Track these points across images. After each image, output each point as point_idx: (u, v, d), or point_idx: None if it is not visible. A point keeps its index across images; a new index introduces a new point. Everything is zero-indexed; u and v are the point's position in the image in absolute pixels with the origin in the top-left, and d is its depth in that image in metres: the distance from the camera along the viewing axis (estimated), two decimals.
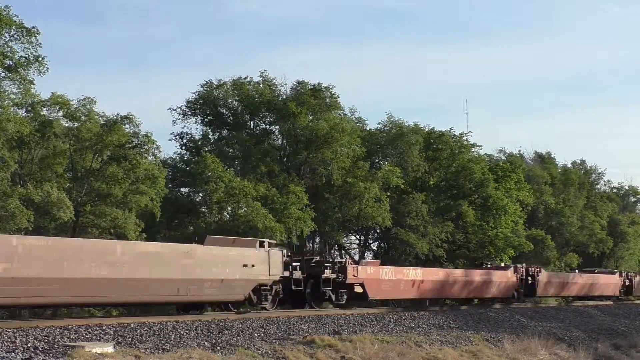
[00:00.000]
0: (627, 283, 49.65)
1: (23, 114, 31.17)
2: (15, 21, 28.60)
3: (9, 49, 28.85)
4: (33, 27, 28.94)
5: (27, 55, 29.08)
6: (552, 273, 44.04)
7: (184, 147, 41.49)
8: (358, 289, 26.95)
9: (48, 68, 29.51)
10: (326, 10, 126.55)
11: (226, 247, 22.27)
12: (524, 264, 40.03)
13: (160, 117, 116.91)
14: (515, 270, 37.28)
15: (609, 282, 47.32)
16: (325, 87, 41.65)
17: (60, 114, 32.42)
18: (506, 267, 38.12)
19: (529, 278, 38.07)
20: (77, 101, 32.74)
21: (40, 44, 29.18)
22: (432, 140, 47.95)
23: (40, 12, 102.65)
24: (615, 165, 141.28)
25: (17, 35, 28.88)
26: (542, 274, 39.42)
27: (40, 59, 29.23)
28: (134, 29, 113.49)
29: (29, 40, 28.87)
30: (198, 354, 15.94)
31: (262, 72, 42.41)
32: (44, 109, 31.91)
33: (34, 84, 29.81)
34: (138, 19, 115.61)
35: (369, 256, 46.93)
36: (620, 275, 49.75)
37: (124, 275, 18.75)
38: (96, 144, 32.38)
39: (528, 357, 23.30)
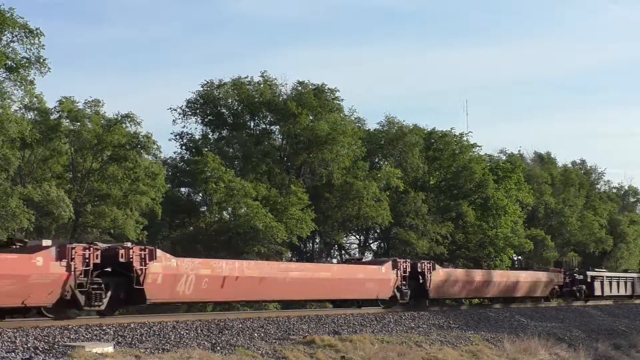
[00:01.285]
0: (420, 280, 28.98)
1: (29, 117, 31.24)
2: (19, 22, 28.59)
3: (10, 49, 28.86)
4: (37, 29, 28.95)
5: (28, 56, 29.10)
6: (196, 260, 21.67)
7: (184, 147, 41.55)
8: None
9: (50, 68, 29.53)
10: (326, 10, 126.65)
11: None
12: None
13: (160, 117, 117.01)
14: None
15: (361, 278, 26.61)
16: (329, 89, 41.71)
17: (65, 115, 32.49)
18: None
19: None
20: (84, 102, 32.81)
21: (43, 45, 29.19)
22: (432, 141, 47.95)
23: (41, 12, 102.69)
24: (615, 165, 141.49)
25: (20, 36, 28.89)
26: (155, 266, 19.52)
27: (41, 59, 29.21)
28: (134, 29, 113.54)
29: (32, 41, 28.86)
30: (198, 354, 15.94)
31: (263, 72, 42.50)
32: (53, 115, 31.96)
33: (34, 84, 29.85)
34: (138, 19, 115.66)
35: (369, 256, 47.00)
36: (396, 266, 27.85)
37: None
38: (97, 144, 32.43)
39: (528, 357, 23.29)
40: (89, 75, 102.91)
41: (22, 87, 29.45)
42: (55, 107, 32.00)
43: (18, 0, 60.87)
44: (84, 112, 32.64)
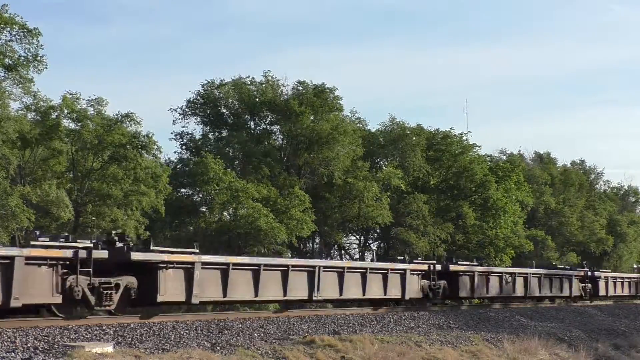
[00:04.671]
0: None
1: (30, 116, 31.26)
2: (17, 21, 28.66)
3: (8, 48, 28.92)
4: (35, 28, 29.04)
5: (26, 54, 29.20)
6: None
7: (184, 147, 41.55)
8: None
9: (46, 65, 29.63)
10: (326, 11, 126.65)
11: None
12: None
13: (160, 117, 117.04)
14: None
15: None
16: (329, 89, 41.72)
17: (66, 114, 32.47)
18: None
19: None
20: (87, 101, 32.81)
21: (41, 45, 29.28)
22: (433, 141, 47.94)
23: (41, 12, 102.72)
24: (615, 165, 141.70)
25: (18, 35, 28.97)
26: None
27: (38, 57, 29.29)
28: (134, 28, 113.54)
29: (30, 40, 28.95)
30: (198, 354, 15.93)
31: (266, 72, 42.53)
32: (54, 113, 31.95)
33: (33, 82, 29.88)
34: (138, 18, 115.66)
35: (369, 256, 47.00)
36: None
37: None
38: (97, 144, 32.41)
39: (528, 357, 23.27)
40: (88, 76, 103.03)
41: (21, 86, 29.50)
42: (55, 106, 31.92)
43: (18, 0, 61.01)
44: (86, 113, 32.61)
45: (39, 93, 30.93)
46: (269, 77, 42.16)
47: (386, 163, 46.16)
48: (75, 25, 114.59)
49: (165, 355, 15.55)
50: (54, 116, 31.84)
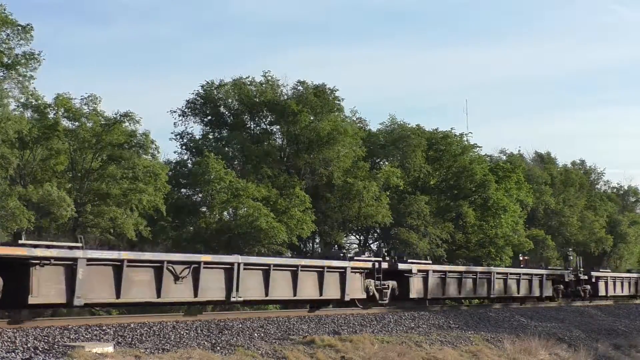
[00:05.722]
0: None
1: (27, 115, 31.25)
2: (10, 20, 28.72)
3: (6, 47, 28.96)
4: (28, 24, 29.12)
5: (23, 53, 29.23)
6: None
7: (184, 147, 41.53)
8: None
9: (40, 63, 29.65)
10: (326, 10, 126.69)
11: None
12: None
13: (160, 117, 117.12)
14: None
15: None
16: (330, 89, 41.71)
17: (63, 113, 32.46)
18: None
19: None
20: (81, 99, 32.77)
21: (32, 37, 29.33)
22: (433, 141, 47.94)
23: (41, 12, 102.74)
24: (615, 165, 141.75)
25: (14, 34, 29.01)
26: None
27: (35, 55, 29.33)
28: (134, 28, 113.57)
29: (25, 37, 29.01)
30: (198, 354, 15.92)
31: (265, 72, 42.50)
32: (51, 112, 31.93)
33: (34, 78, 29.91)
34: (139, 19, 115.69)
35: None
36: None
37: None
38: (96, 143, 32.40)
39: (528, 357, 23.26)
40: (88, 76, 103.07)
41: (19, 85, 29.52)
42: (51, 106, 31.92)
43: (18, 0, 61.03)
44: (82, 111, 32.61)
45: (35, 91, 30.93)
46: (269, 77, 42.18)
47: (387, 163, 46.16)
48: (75, 25, 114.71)
49: (165, 355, 15.55)
50: (51, 115, 31.83)
